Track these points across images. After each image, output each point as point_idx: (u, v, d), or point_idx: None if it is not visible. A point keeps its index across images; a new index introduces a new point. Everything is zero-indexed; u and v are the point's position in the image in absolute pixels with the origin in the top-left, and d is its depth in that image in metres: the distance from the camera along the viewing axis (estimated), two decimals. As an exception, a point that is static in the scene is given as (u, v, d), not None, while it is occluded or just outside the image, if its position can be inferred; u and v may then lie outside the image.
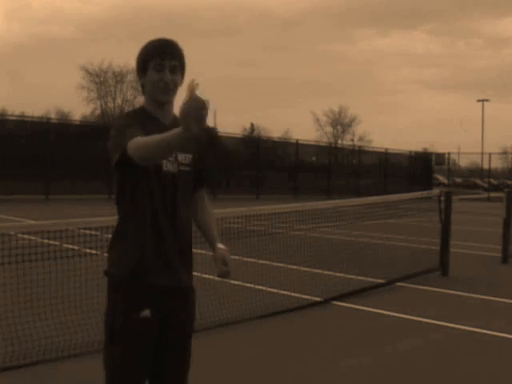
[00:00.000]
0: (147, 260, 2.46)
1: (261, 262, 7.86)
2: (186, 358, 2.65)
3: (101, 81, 59.87)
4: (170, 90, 2.51)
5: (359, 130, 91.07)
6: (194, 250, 2.74)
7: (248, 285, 6.95)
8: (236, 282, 6.80)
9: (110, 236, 2.66)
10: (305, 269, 8.34)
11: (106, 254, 2.62)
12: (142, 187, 2.48)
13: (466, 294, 7.64)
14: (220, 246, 2.69)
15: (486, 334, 5.83)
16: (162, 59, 2.48)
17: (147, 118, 2.52)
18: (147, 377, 2.52)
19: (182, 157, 2.55)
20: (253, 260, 7.59)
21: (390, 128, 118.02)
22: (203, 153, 2.69)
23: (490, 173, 48.24)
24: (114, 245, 2.55)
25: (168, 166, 2.51)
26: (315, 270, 8.32)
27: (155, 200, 2.48)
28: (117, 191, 2.56)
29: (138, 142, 2.27)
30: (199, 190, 2.74)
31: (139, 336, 2.43)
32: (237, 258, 7.30)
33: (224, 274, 2.68)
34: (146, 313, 2.41)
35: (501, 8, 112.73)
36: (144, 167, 2.38)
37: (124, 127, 2.40)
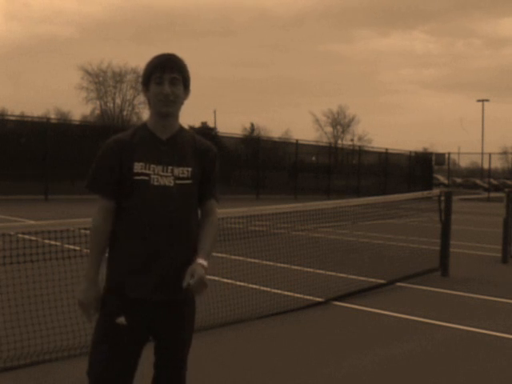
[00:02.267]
0: (128, 275, 2.56)
1: (265, 262, 7.86)
2: (179, 360, 2.71)
3: (100, 81, 59.95)
4: (170, 101, 2.58)
5: (359, 129, 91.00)
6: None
7: (253, 286, 6.95)
8: (241, 284, 6.81)
9: None
10: (307, 269, 8.33)
11: (107, 255, 2.69)
12: (130, 202, 2.56)
13: (466, 294, 7.64)
14: (199, 261, 2.54)
15: (486, 334, 5.83)
16: (162, 72, 2.58)
17: (144, 137, 2.61)
18: (131, 373, 2.63)
19: (179, 170, 2.59)
20: (257, 261, 7.59)
21: (389, 128, 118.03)
22: (208, 167, 2.69)
23: (489, 173, 48.24)
24: (109, 255, 2.66)
25: (159, 180, 2.56)
26: (317, 271, 8.32)
27: (142, 215, 2.54)
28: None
29: (95, 224, 2.60)
30: (205, 201, 2.71)
31: (116, 339, 2.57)
32: (241, 258, 7.32)
33: (186, 287, 2.47)
34: (122, 320, 2.53)
35: (500, 8, 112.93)
36: (126, 182, 2.54)
37: (99, 168, 2.61)
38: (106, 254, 2.68)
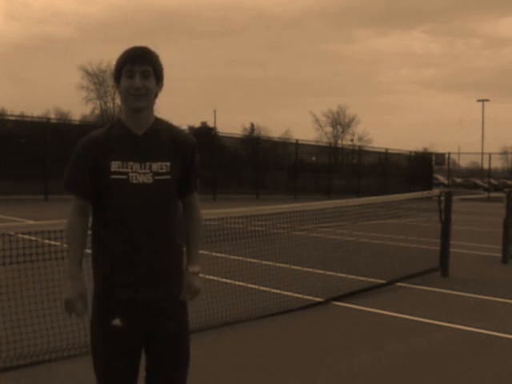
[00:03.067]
0: (113, 276, 2.55)
1: (264, 262, 7.86)
2: (176, 362, 2.68)
3: (100, 81, 59.91)
4: (142, 95, 2.53)
5: (359, 129, 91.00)
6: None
7: (252, 286, 6.95)
8: (241, 283, 6.80)
9: None
10: (307, 269, 8.33)
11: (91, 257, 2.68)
12: (109, 201, 2.54)
13: (466, 295, 7.64)
14: (191, 269, 2.71)
15: (486, 334, 5.83)
16: (132, 65, 2.52)
17: (119, 133, 2.57)
18: (132, 375, 2.61)
19: (157, 166, 2.54)
20: (256, 261, 7.59)
21: (389, 128, 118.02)
22: (187, 159, 2.64)
23: (489, 173, 48.25)
24: (92, 257, 2.63)
25: (138, 178, 2.52)
26: (317, 271, 8.32)
27: (122, 214, 2.52)
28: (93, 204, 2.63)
29: (70, 222, 2.60)
30: (186, 196, 2.70)
31: (114, 342, 2.55)
32: (240, 258, 7.32)
33: (187, 298, 2.72)
34: (117, 321, 2.53)
35: (499, 8, 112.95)
36: (104, 181, 2.51)
37: (73, 168, 2.59)
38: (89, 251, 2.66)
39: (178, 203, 2.68)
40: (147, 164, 2.53)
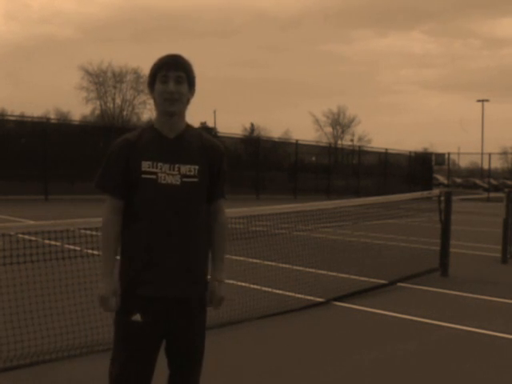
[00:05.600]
0: (135, 273, 2.61)
1: (266, 263, 7.86)
2: (191, 362, 2.75)
3: (100, 81, 59.87)
4: (175, 100, 2.61)
5: (359, 129, 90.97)
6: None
7: (254, 286, 6.95)
8: (242, 284, 6.81)
9: None
10: (308, 270, 8.32)
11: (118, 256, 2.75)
12: (138, 200, 2.61)
13: (466, 295, 7.64)
14: (216, 277, 2.84)
15: (486, 334, 5.83)
16: (167, 71, 2.61)
17: (151, 136, 2.65)
18: (150, 371, 2.67)
19: (186, 168, 2.62)
20: (258, 261, 7.58)
21: (389, 128, 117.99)
22: (215, 166, 2.72)
23: (489, 173, 48.25)
24: (120, 254, 2.70)
25: (166, 178, 2.59)
26: (318, 271, 8.31)
27: (149, 213, 2.59)
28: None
29: (104, 222, 2.64)
30: (213, 201, 2.76)
31: (133, 338, 2.61)
32: (242, 259, 7.31)
33: (212, 306, 2.87)
34: (137, 317, 2.59)
35: (498, 9, 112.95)
36: (134, 180, 2.58)
37: (107, 168, 2.65)
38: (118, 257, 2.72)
39: (205, 207, 2.74)
40: (176, 166, 2.61)
